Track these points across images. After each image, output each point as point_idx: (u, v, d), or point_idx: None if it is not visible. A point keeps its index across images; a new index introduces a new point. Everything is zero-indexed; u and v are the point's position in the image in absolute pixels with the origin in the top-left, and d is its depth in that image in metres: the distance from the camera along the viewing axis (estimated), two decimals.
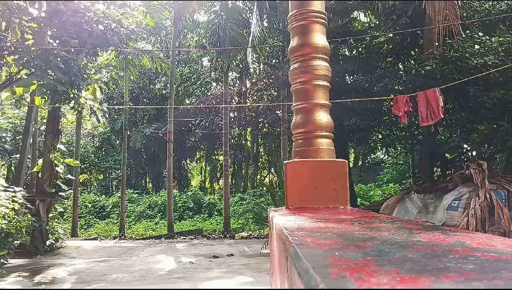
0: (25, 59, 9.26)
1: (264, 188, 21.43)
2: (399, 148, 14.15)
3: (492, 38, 8.14)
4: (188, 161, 26.92)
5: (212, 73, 22.48)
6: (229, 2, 15.34)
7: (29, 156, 13.20)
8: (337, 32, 10.80)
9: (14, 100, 11.29)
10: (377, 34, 11.69)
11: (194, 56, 23.14)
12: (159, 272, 7.07)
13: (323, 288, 0.48)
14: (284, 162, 2.29)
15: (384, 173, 20.76)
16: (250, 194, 20.06)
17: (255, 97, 22.07)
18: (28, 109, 11.99)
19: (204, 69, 23.73)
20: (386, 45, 12.83)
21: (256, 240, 11.72)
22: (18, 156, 13.10)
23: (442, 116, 7.76)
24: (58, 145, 10.27)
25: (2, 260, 7.65)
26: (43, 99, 10.26)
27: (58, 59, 9.17)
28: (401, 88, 10.24)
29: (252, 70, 22.64)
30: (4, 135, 13.00)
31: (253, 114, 22.49)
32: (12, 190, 8.65)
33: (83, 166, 20.83)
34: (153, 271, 7.13)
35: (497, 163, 9.78)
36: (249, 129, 24.05)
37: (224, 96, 15.79)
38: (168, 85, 19.26)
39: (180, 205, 18.86)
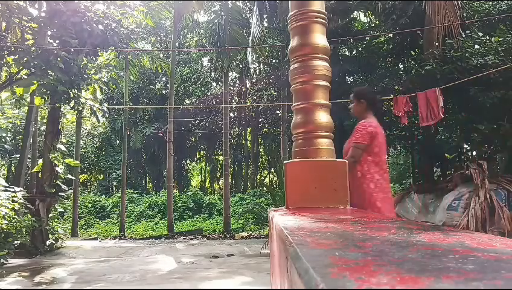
0: (25, 59, 9.25)
1: (264, 188, 21.42)
2: (399, 148, 14.14)
3: (492, 38, 8.13)
4: (188, 161, 26.92)
5: (212, 73, 22.48)
6: (229, 2, 15.34)
7: (29, 156, 13.20)
8: (337, 32, 10.79)
9: (14, 100, 11.28)
10: (377, 34, 11.68)
11: (194, 56, 23.13)
12: (159, 272, 7.07)
13: (323, 288, 0.48)
14: (284, 162, 2.29)
15: None
16: (250, 194, 20.06)
17: (255, 97, 22.07)
18: (28, 109, 11.98)
19: (204, 69, 23.72)
20: (386, 45, 12.81)
21: (256, 240, 11.72)
22: (18, 156, 13.09)
23: (442, 116, 7.75)
24: (58, 145, 10.26)
25: (2, 260, 7.65)
26: (43, 99, 10.25)
27: (58, 59, 9.16)
28: (401, 88, 10.22)
29: (252, 70, 22.66)
30: (4, 135, 12.99)
31: (253, 114, 22.49)
32: (13, 190, 8.64)
33: (83, 166, 20.83)
34: (153, 271, 7.13)
35: (497, 163, 9.77)
36: (249, 129, 24.05)
37: (224, 96, 15.79)
38: (168, 85, 19.25)
39: (180, 205, 18.86)
